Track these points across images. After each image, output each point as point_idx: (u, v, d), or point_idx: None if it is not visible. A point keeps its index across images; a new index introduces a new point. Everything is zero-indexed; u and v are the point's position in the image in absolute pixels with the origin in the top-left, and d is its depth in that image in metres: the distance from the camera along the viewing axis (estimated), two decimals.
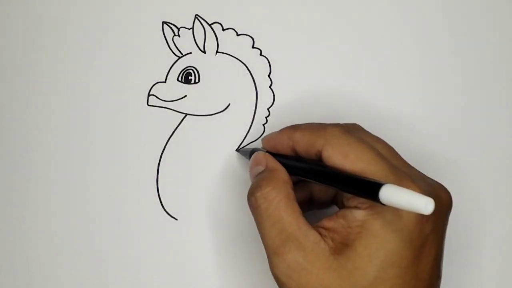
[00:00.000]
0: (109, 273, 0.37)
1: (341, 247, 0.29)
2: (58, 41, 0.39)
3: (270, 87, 0.39)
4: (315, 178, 0.30)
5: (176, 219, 0.38)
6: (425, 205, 0.23)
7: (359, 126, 0.33)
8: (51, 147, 0.38)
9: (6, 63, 0.39)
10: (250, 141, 0.38)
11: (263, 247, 0.35)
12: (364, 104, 0.39)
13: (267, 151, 0.34)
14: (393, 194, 0.24)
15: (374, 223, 0.28)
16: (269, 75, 0.39)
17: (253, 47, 0.39)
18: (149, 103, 0.39)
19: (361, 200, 0.28)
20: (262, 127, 0.38)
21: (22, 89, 0.39)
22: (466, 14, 0.40)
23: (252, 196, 0.31)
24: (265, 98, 0.39)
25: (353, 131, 0.31)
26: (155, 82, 0.39)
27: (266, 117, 0.38)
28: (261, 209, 0.30)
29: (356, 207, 0.29)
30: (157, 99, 0.38)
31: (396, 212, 0.28)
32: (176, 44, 0.39)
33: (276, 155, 0.33)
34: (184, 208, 0.38)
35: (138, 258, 0.37)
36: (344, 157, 0.29)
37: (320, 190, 0.34)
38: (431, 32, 0.39)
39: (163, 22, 0.39)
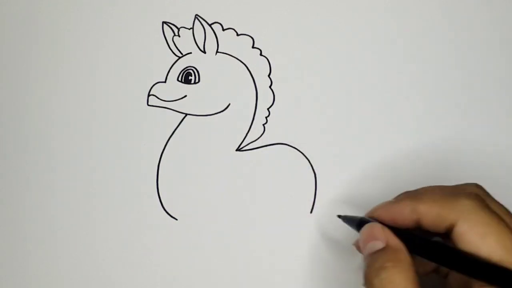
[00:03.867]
0: (109, 273, 0.37)
1: None
2: (58, 41, 0.39)
3: (270, 87, 0.39)
4: (448, 264, 0.27)
5: (176, 219, 0.38)
6: None
7: (482, 188, 0.30)
8: (51, 147, 0.38)
9: (6, 63, 0.39)
10: (250, 141, 0.38)
11: (263, 245, 0.35)
12: (364, 103, 0.39)
13: (381, 223, 0.30)
14: None
15: None
16: (269, 75, 0.39)
17: (253, 47, 0.39)
18: (149, 103, 0.39)
19: None
20: (262, 127, 0.38)
21: (23, 90, 0.39)
22: (465, 14, 0.40)
23: (375, 278, 0.28)
24: (265, 98, 0.39)
25: (485, 203, 0.28)
26: (155, 82, 0.39)
27: (266, 117, 0.38)
28: None
29: None
30: (157, 99, 0.38)
31: None
32: (176, 44, 0.39)
33: (395, 231, 0.30)
34: (184, 208, 0.38)
35: (138, 258, 0.37)
36: (482, 238, 0.26)
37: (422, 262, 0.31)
38: (430, 32, 0.39)
39: (163, 22, 0.39)
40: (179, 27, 0.39)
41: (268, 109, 0.39)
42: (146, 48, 0.39)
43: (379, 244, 0.29)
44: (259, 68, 0.39)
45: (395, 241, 0.29)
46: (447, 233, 0.28)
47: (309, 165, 0.38)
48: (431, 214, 0.28)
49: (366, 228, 0.30)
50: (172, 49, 0.39)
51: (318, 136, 0.38)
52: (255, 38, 0.39)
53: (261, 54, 0.39)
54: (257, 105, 0.39)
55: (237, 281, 0.37)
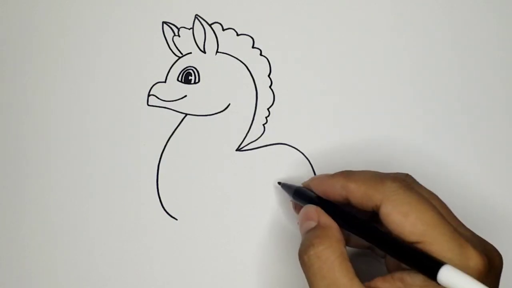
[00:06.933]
0: (108, 273, 0.37)
1: None
2: (58, 41, 0.39)
3: (270, 87, 0.39)
4: (373, 241, 0.29)
5: (176, 219, 0.38)
6: None
7: (411, 177, 0.32)
8: (51, 147, 0.38)
9: (6, 63, 0.39)
10: (250, 141, 0.38)
11: (263, 245, 0.35)
12: (364, 103, 0.39)
13: (316, 195, 0.33)
14: (451, 277, 0.24)
15: None
16: (269, 75, 0.39)
17: (253, 47, 0.39)
18: (149, 103, 0.39)
19: None
20: (262, 127, 0.38)
21: (23, 89, 0.39)
22: (466, 15, 0.40)
23: (305, 255, 0.30)
24: (265, 98, 0.39)
25: (410, 185, 0.30)
26: (155, 82, 0.39)
27: (266, 117, 0.38)
28: (315, 269, 0.29)
29: (415, 271, 0.28)
30: (157, 99, 0.38)
31: None
32: (176, 44, 0.39)
33: (327, 208, 0.32)
34: (184, 208, 0.38)
35: (138, 258, 0.37)
36: (404, 217, 0.28)
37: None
38: (431, 32, 0.39)
39: (163, 22, 0.39)
40: (179, 27, 0.39)
41: (268, 109, 0.39)
42: (146, 48, 0.39)
43: (312, 223, 0.31)
44: (259, 68, 0.39)
45: (326, 219, 0.31)
46: (375, 213, 0.29)
47: (309, 165, 0.38)
48: (359, 193, 0.30)
49: (302, 210, 0.33)
50: (172, 49, 0.39)
51: (318, 136, 0.38)
52: (255, 38, 0.39)
53: (261, 54, 0.39)
54: (257, 105, 0.39)
55: (237, 281, 0.37)
